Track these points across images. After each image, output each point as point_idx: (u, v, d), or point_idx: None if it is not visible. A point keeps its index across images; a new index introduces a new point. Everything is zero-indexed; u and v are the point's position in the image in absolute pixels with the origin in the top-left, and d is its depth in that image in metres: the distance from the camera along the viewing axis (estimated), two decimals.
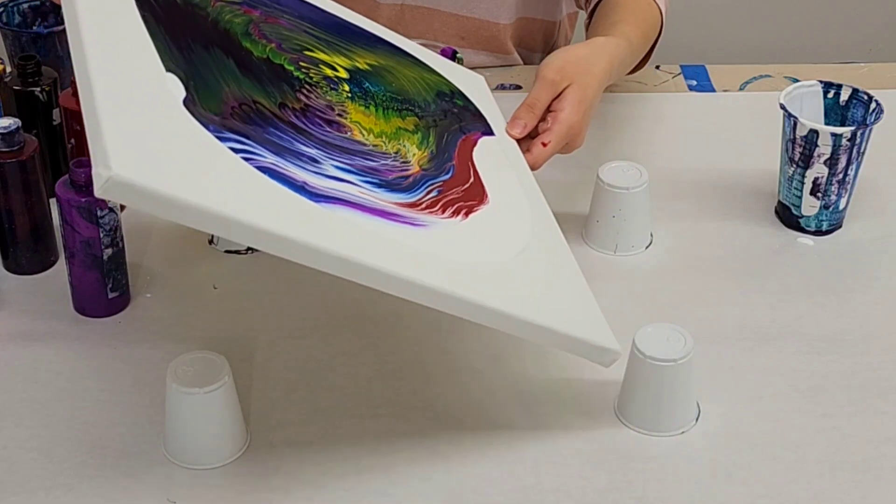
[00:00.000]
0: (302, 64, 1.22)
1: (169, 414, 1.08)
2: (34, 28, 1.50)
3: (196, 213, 0.93)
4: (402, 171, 1.15)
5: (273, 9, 1.27)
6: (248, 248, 1.33)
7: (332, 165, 1.10)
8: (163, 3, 1.15)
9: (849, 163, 1.33)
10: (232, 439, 1.10)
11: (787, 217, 1.38)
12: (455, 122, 1.28)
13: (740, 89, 1.63)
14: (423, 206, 1.12)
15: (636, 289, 1.30)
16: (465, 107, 1.32)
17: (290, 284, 1.28)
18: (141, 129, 0.97)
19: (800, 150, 1.33)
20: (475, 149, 1.25)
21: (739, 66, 1.68)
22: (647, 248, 1.35)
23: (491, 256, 1.11)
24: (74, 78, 1.02)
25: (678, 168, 1.47)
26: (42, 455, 1.10)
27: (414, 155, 1.19)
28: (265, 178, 1.01)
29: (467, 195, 1.17)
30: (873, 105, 1.35)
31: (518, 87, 1.61)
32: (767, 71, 1.66)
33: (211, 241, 1.34)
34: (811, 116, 1.36)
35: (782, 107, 1.34)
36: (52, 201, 1.25)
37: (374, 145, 1.17)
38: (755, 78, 1.65)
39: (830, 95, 1.38)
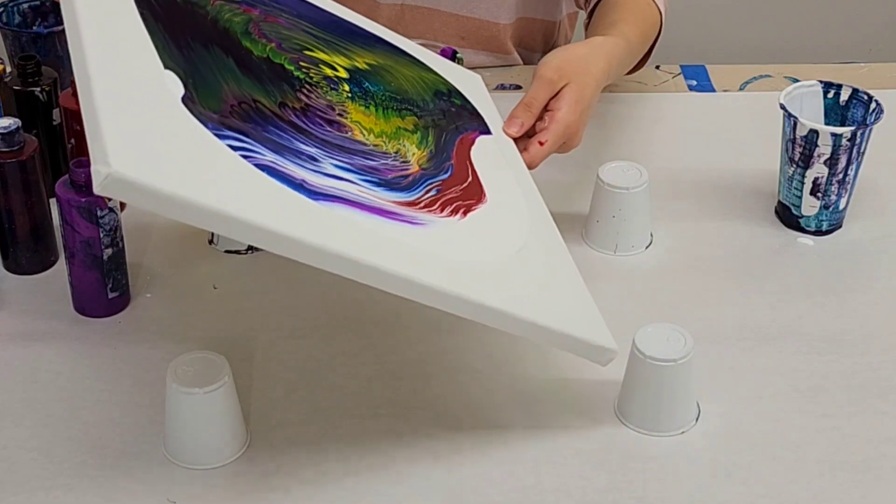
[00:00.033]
0: (302, 64, 1.22)
1: (169, 414, 1.08)
2: (34, 28, 1.50)
3: (194, 209, 0.93)
4: (402, 170, 1.15)
5: (272, 7, 1.27)
6: (249, 248, 1.33)
7: (332, 164, 1.10)
8: (162, 2, 1.15)
9: (849, 163, 1.33)
10: (232, 439, 1.10)
11: (787, 217, 1.38)
12: (453, 121, 1.28)
13: (740, 89, 1.63)
14: (422, 204, 1.12)
15: (636, 289, 1.30)
16: (463, 106, 1.32)
17: (290, 284, 1.28)
18: (140, 126, 0.97)
19: (800, 150, 1.33)
20: (473, 148, 1.25)
21: (739, 66, 1.68)
22: (647, 248, 1.35)
23: (489, 255, 1.11)
24: (74, 78, 1.02)
25: (678, 168, 1.47)
26: (42, 455, 1.10)
27: (413, 154, 1.19)
28: (264, 175, 1.01)
29: (465, 194, 1.17)
30: (873, 105, 1.35)
31: (518, 87, 1.61)
32: (767, 71, 1.66)
33: (211, 241, 1.34)
34: (811, 116, 1.36)
35: (782, 107, 1.34)
36: (52, 201, 1.25)
37: (375, 145, 1.17)
38: (755, 78, 1.65)
39: (830, 95, 1.38)
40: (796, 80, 1.42)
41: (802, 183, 1.35)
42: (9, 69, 1.39)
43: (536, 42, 1.70)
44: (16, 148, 1.25)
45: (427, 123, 1.25)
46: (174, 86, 1.04)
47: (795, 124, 1.33)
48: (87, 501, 1.06)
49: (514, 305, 1.06)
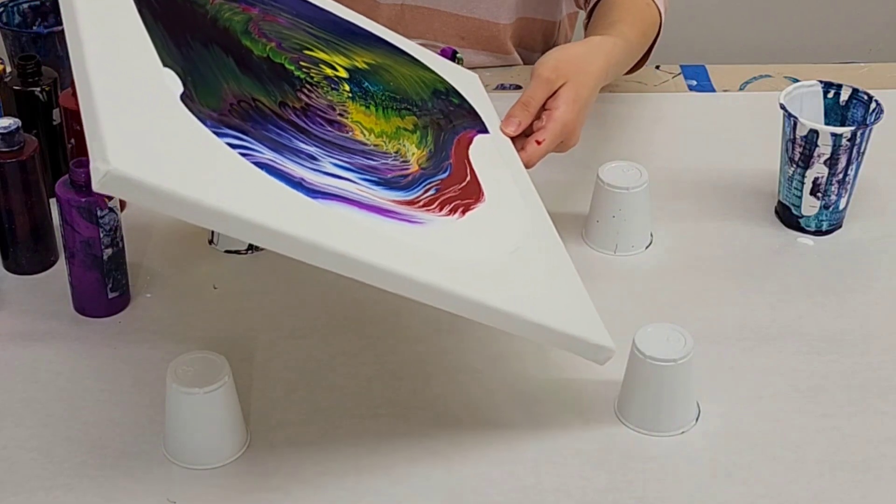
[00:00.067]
0: (302, 63, 1.22)
1: (169, 414, 1.08)
2: (34, 28, 1.50)
3: (191, 206, 0.93)
4: (402, 170, 1.15)
5: (271, 7, 1.27)
6: (249, 248, 1.33)
7: (331, 163, 1.10)
8: (161, 0, 1.15)
9: (849, 163, 1.33)
10: (232, 439, 1.10)
11: (787, 217, 1.38)
12: (451, 120, 1.28)
13: (740, 89, 1.63)
14: (421, 203, 1.12)
15: (636, 289, 1.30)
16: (461, 105, 1.32)
17: (290, 284, 1.28)
18: (138, 123, 0.97)
19: (800, 150, 1.33)
20: (471, 147, 1.25)
21: (739, 66, 1.68)
22: (647, 248, 1.35)
23: (487, 254, 1.11)
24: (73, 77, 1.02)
25: (678, 168, 1.47)
26: (42, 455, 1.10)
27: (413, 154, 1.19)
28: (262, 173, 1.01)
29: (464, 193, 1.17)
30: (873, 105, 1.35)
31: (518, 87, 1.61)
32: (767, 71, 1.66)
33: (211, 241, 1.34)
34: (811, 116, 1.36)
35: (782, 107, 1.34)
36: (52, 201, 1.25)
37: (375, 145, 1.17)
38: (755, 78, 1.65)
39: (830, 95, 1.38)
40: (796, 80, 1.42)
41: (802, 183, 1.35)
42: (9, 69, 1.39)
43: (536, 42, 1.70)
44: (16, 148, 1.25)
45: (426, 123, 1.25)
46: (173, 84, 1.04)
47: (795, 124, 1.33)
48: (87, 501, 1.06)
49: (512, 304, 1.06)
